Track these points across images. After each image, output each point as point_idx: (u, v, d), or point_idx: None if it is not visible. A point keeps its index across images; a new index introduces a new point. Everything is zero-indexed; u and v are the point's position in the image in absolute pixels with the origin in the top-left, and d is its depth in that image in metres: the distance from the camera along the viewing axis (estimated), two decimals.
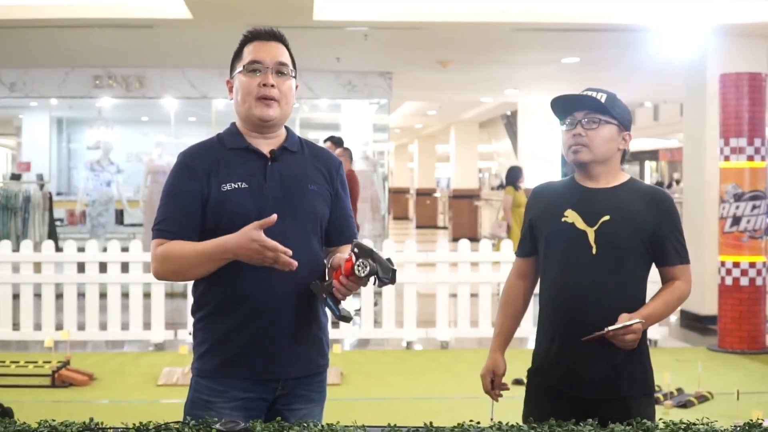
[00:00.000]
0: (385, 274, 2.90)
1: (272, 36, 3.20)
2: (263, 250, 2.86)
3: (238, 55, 3.21)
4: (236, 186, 3.04)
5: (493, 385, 3.72)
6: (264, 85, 3.09)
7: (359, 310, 9.94)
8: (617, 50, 12.47)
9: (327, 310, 3.10)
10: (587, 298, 3.30)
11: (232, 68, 3.21)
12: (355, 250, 2.92)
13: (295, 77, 3.22)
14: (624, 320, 3.22)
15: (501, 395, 3.67)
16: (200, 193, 3.05)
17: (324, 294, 2.98)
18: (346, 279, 2.94)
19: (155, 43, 12.07)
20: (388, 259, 2.93)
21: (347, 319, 3.07)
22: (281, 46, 3.21)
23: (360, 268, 2.89)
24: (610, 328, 3.23)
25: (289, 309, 3.04)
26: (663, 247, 3.40)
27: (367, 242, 3.15)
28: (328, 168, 3.25)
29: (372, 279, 2.93)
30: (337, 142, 11.29)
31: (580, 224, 3.39)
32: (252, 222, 2.93)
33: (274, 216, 2.89)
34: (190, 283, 3.26)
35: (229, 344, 3.03)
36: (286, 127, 3.27)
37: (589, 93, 3.42)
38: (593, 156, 3.40)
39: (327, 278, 3.07)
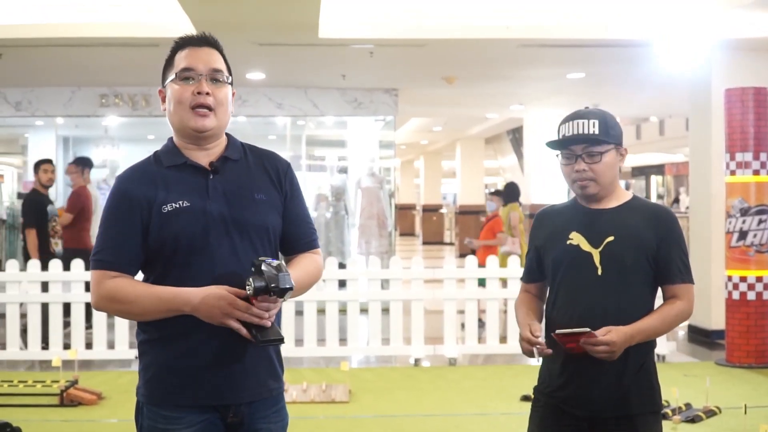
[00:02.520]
0: (273, 283, 2.69)
1: (205, 41, 3.04)
2: (230, 308, 2.75)
3: (169, 63, 3.05)
4: (177, 206, 2.89)
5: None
6: (198, 93, 2.94)
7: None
8: (622, 65, 12.49)
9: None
10: (594, 318, 3.29)
11: (164, 77, 3.06)
12: (252, 269, 2.77)
13: (231, 84, 3.06)
14: (602, 333, 3.22)
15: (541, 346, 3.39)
16: (139, 219, 2.90)
17: (247, 327, 2.79)
18: (254, 308, 2.75)
19: (161, 62, 11.98)
20: (278, 265, 2.73)
21: (276, 341, 2.83)
22: (215, 51, 3.04)
23: (248, 288, 2.71)
24: (559, 330, 3.27)
25: (235, 332, 2.83)
26: (665, 264, 3.40)
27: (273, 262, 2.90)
28: (275, 171, 3.08)
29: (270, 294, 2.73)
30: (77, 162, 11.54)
31: (585, 246, 3.40)
32: (198, 241, 2.86)
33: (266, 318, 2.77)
34: None
35: (177, 371, 2.89)
36: (227, 134, 3.11)
37: (581, 122, 3.40)
38: (601, 187, 3.43)
39: None
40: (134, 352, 9.55)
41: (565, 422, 3.40)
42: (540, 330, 3.40)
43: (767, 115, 9.47)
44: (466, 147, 26.23)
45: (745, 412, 6.32)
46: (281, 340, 2.86)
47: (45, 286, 9.62)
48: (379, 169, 16.35)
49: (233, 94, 3.09)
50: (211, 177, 2.97)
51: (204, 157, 3.00)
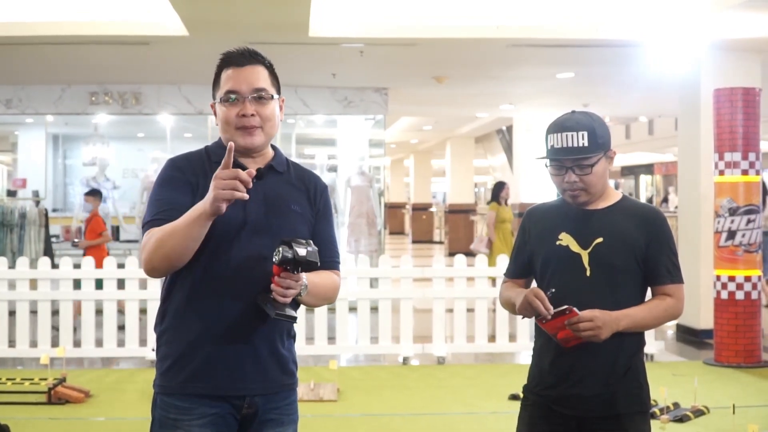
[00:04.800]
0: (301, 254, 2.80)
1: (248, 59, 3.09)
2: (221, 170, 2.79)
3: (216, 80, 3.14)
4: None
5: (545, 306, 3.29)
6: (243, 115, 3.03)
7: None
8: (612, 65, 12.50)
9: (277, 317, 2.92)
10: None
11: (214, 94, 3.15)
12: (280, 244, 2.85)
13: (276, 97, 3.13)
14: (586, 314, 3.22)
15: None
16: (189, 194, 3.00)
17: (265, 301, 2.89)
18: (278, 278, 2.85)
19: (151, 60, 12.09)
20: (307, 241, 2.85)
21: (289, 318, 2.90)
22: (258, 67, 3.10)
23: (275, 256, 2.81)
24: (551, 311, 3.26)
25: (251, 326, 2.97)
26: (654, 266, 3.41)
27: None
28: (313, 189, 3.19)
29: (299, 268, 2.83)
30: None
31: (575, 247, 3.41)
32: (230, 237, 2.95)
33: (253, 171, 2.82)
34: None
35: (191, 358, 2.97)
36: (274, 147, 3.22)
37: (570, 135, 3.38)
38: (591, 196, 3.43)
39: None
40: (121, 350, 9.57)
41: (554, 421, 3.41)
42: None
43: (756, 115, 9.49)
44: (456, 146, 26.24)
45: (734, 412, 6.34)
46: (293, 319, 2.93)
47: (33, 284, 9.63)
48: (369, 167, 16.34)
49: (282, 100, 3.19)
50: (255, 181, 3.01)
51: (251, 163, 3.09)
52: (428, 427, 7.18)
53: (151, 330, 3.25)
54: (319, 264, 2.86)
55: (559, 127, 3.41)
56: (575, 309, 3.23)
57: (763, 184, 10.86)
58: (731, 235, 9.45)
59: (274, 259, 2.82)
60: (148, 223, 3.00)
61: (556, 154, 3.41)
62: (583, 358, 3.32)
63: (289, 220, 3.06)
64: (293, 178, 3.18)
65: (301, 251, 2.81)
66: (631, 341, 3.38)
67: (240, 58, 3.09)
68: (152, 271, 3.01)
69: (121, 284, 9.61)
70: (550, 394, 3.43)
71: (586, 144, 3.36)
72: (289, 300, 2.88)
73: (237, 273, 2.95)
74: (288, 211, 3.08)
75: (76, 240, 12.32)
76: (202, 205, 2.83)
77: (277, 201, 3.07)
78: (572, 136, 3.37)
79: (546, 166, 3.48)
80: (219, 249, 2.96)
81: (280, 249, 2.81)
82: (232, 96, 3.05)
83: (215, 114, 3.15)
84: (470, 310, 9.84)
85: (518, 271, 3.65)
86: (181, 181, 3.03)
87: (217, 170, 2.80)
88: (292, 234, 2.99)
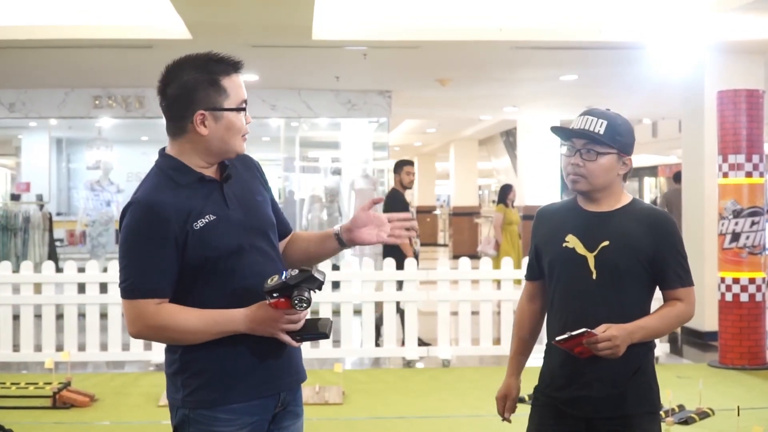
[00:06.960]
0: (317, 291, 2.90)
1: (241, 66, 3.07)
2: (282, 323, 2.90)
3: (214, 85, 2.95)
4: (207, 220, 2.91)
5: (506, 408, 3.67)
6: (247, 123, 3.05)
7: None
8: (615, 67, 12.50)
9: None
10: (589, 322, 3.27)
11: (209, 100, 2.94)
12: (289, 282, 2.83)
13: None
14: (601, 330, 3.23)
15: (510, 420, 3.67)
16: (174, 241, 2.89)
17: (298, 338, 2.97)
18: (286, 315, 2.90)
19: (155, 63, 11.92)
20: (291, 269, 2.88)
21: (317, 334, 3.00)
22: None
23: (299, 306, 2.84)
24: (558, 338, 3.29)
25: None
26: (663, 270, 3.40)
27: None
28: (257, 170, 3.22)
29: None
30: None
31: (581, 249, 3.41)
32: (234, 249, 2.94)
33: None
34: None
35: (235, 369, 2.95)
36: None
37: (590, 119, 3.41)
38: (591, 186, 3.43)
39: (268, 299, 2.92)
40: (126, 354, 9.56)
41: (564, 422, 3.42)
42: (513, 407, 3.66)
43: (760, 117, 9.48)
44: (459, 149, 26.24)
45: (738, 414, 6.32)
46: (323, 335, 3.02)
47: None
48: (373, 170, 16.34)
49: None
50: (224, 186, 3.04)
51: (208, 171, 3.04)
52: (433, 430, 7.18)
53: None
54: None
55: (585, 111, 3.46)
56: (592, 331, 3.22)
57: None
58: (735, 237, 9.44)
59: (297, 308, 2.85)
60: (137, 290, 2.89)
61: (571, 134, 3.43)
62: (593, 361, 3.31)
63: (263, 213, 3.11)
64: (239, 168, 3.14)
65: (316, 285, 2.87)
66: (641, 344, 3.38)
67: (239, 66, 3.07)
68: (140, 338, 3.08)
69: None
70: (559, 395, 3.44)
71: (601, 132, 3.38)
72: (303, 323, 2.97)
73: (253, 278, 2.95)
74: (257, 204, 3.11)
75: None
76: (240, 325, 2.91)
77: (246, 198, 3.08)
78: (592, 120, 3.40)
79: (561, 145, 3.50)
80: (232, 265, 2.96)
81: (296, 296, 2.83)
82: (244, 105, 3.03)
83: (203, 124, 2.95)
84: (475, 313, 9.83)
85: (535, 274, 3.66)
86: (163, 228, 2.89)
87: (280, 316, 2.88)
88: (272, 223, 3.14)
